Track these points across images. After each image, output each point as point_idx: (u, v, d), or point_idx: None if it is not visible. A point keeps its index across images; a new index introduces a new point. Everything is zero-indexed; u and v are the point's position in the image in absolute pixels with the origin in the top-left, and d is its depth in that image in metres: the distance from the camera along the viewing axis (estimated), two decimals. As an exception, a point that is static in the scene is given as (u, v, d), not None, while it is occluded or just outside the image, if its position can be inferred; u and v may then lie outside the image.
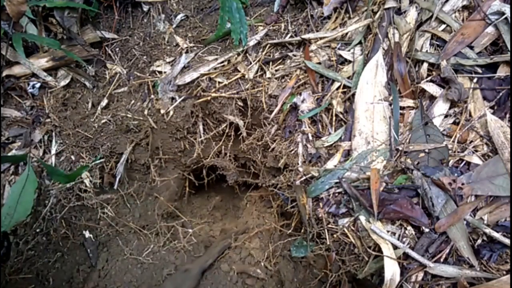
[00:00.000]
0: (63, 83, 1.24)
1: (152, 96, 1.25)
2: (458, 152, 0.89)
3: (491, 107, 0.90)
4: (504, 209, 0.83)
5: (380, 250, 0.85)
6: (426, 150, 0.90)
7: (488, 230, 0.81)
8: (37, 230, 1.18)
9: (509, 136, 0.84)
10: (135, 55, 1.28)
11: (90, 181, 1.25)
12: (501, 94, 0.89)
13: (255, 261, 1.29)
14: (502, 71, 0.89)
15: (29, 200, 1.04)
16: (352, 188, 0.91)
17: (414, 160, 0.90)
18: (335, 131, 1.03)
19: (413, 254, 0.83)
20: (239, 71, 1.17)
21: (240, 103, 1.20)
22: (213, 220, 1.58)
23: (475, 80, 0.91)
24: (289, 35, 1.15)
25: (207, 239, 1.42)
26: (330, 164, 0.98)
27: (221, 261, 1.29)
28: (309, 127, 1.06)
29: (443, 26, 0.98)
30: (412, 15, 1.01)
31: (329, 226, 0.95)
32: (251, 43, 1.15)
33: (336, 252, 0.96)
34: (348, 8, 1.10)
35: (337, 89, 1.05)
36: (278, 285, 1.25)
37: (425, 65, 0.96)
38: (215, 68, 1.18)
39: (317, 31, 1.12)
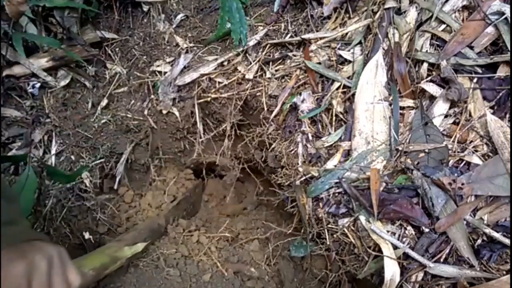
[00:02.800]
0: (63, 83, 1.24)
1: (152, 96, 1.25)
2: (458, 152, 0.89)
3: (491, 107, 0.90)
4: (504, 209, 0.83)
5: (380, 250, 0.85)
6: (426, 150, 0.90)
7: (488, 230, 0.81)
8: (38, 230, 1.18)
9: (509, 136, 0.84)
10: (135, 55, 1.28)
11: (90, 181, 1.25)
12: (501, 94, 0.89)
13: (254, 262, 1.29)
14: (502, 71, 0.89)
15: (29, 200, 1.05)
16: (352, 188, 0.91)
17: (414, 160, 0.90)
18: (335, 131, 1.03)
19: (413, 254, 0.83)
20: (239, 71, 1.17)
21: (240, 103, 1.20)
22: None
23: (475, 80, 0.91)
24: (289, 35, 1.15)
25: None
26: (330, 164, 0.98)
27: (221, 263, 1.29)
28: (309, 127, 1.06)
29: (443, 26, 0.98)
30: (412, 15, 1.01)
31: (329, 226, 0.95)
32: (251, 43, 1.15)
33: (336, 252, 0.97)
34: (348, 8, 1.10)
35: (337, 89, 1.05)
36: (278, 285, 1.25)
37: (425, 65, 0.96)
38: (215, 68, 1.18)
39: (317, 31, 1.12)
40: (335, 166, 0.98)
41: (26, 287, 0.52)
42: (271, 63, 1.16)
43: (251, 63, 1.16)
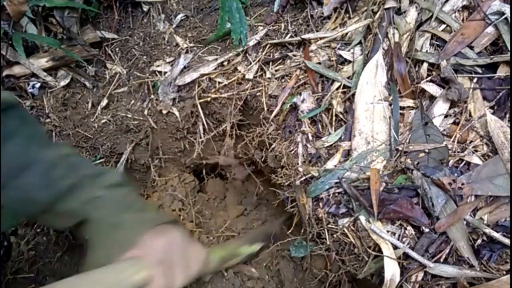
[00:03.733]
0: (63, 83, 1.24)
1: (152, 96, 1.25)
2: (458, 152, 0.89)
3: (491, 107, 0.90)
4: (504, 209, 0.83)
5: (380, 250, 0.85)
6: (426, 150, 0.90)
7: (488, 230, 0.81)
8: (38, 230, 1.18)
9: (509, 136, 0.84)
10: (135, 55, 1.29)
11: (90, 181, 1.24)
12: (501, 94, 0.89)
13: (254, 262, 1.29)
14: (502, 71, 0.89)
15: (29, 200, 1.04)
16: (352, 188, 0.91)
17: (414, 160, 0.90)
18: (335, 131, 1.03)
19: (413, 254, 0.83)
20: (239, 71, 1.17)
21: (240, 103, 1.20)
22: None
23: (475, 80, 0.91)
24: (289, 35, 1.15)
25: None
26: (330, 164, 0.98)
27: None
28: (309, 127, 1.06)
29: (443, 26, 0.98)
30: (412, 15, 1.01)
31: (329, 226, 0.95)
32: (251, 43, 1.15)
33: (336, 252, 0.96)
34: (348, 8, 1.10)
35: (337, 89, 1.05)
36: (278, 285, 1.25)
37: (425, 65, 0.96)
38: (215, 68, 1.18)
39: (317, 31, 1.12)
40: (335, 166, 0.98)
41: (168, 257, 0.68)
42: (271, 63, 1.16)
43: (251, 63, 1.16)
